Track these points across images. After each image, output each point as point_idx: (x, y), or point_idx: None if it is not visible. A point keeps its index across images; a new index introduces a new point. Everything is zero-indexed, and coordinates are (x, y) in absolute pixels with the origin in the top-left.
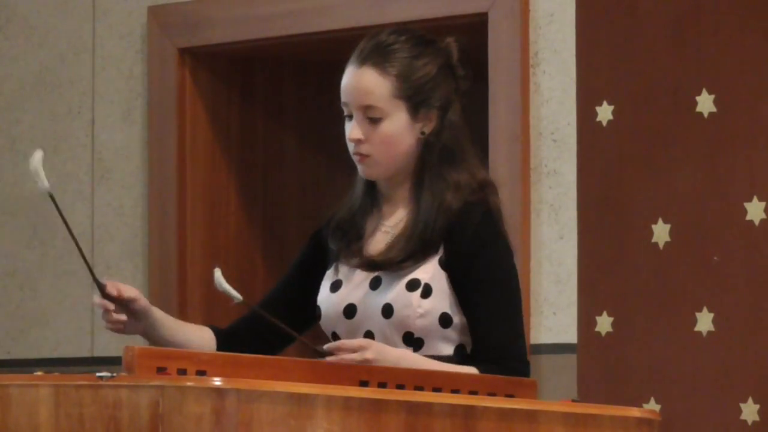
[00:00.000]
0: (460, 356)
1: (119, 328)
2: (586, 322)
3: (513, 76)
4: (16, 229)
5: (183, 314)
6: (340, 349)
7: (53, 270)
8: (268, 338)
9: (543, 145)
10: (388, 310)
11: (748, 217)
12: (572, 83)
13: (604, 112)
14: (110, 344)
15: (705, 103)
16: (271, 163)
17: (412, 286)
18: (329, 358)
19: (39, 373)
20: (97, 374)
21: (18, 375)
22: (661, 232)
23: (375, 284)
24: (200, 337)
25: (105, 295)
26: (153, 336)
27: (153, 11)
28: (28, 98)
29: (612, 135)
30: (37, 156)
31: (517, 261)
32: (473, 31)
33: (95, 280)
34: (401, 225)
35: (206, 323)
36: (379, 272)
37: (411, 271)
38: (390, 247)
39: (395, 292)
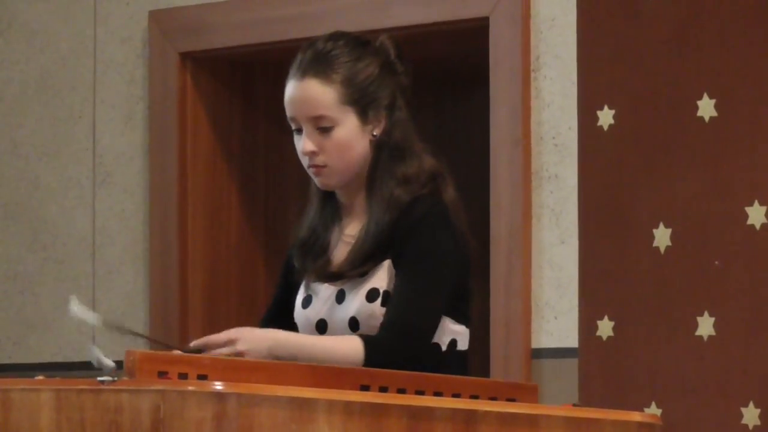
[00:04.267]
0: (433, 355)
1: None
2: (587, 326)
3: (514, 80)
4: (18, 234)
5: (184, 318)
6: (207, 346)
7: (54, 274)
8: None
9: (544, 149)
10: (354, 324)
11: (749, 222)
12: (573, 87)
13: (605, 117)
14: (111, 349)
15: (706, 108)
16: (272, 168)
17: (371, 296)
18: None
19: (40, 378)
20: (98, 379)
21: (19, 379)
22: (662, 237)
23: (340, 298)
24: None
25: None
26: None
27: (154, 15)
28: (29, 102)
29: (613, 139)
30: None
31: (518, 266)
32: (474, 35)
33: (187, 351)
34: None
35: (206, 327)
36: (342, 285)
37: (369, 280)
38: (347, 256)
39: (357, 305)
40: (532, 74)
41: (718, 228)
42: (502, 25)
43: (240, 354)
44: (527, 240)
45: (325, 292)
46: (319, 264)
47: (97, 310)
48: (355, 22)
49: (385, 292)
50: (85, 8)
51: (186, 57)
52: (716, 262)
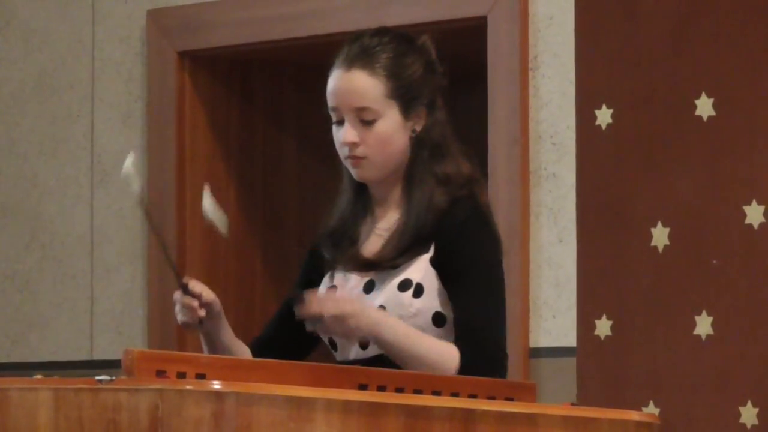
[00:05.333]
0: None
1: (194, 322)
2: (585, 325)
3: (512, 79)
4: (16, 232)
5: None
6: (323, 302)
7: (52, 273)
8: (295, 342)
9: (542, 148)
10: None
11: (747, 221)
12: (571, 86)
13: (604, 116)
14: (110, 347)
15: (704, 107)
16: (270, 167)
17: (404, 286)
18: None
19: (38, 377)
20: (97, 377)
21: (17, 378)
22: (660, 236)
23: (368, 288)
24: (244, 352)
25: (188, 292)
26: (214, 337)
27: (152, 14)
28: (27, 101)
29: (611, 138)
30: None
31: (516, 264)
32: (473, 34)
33: (179, 278)
34: (395, 226)
35: None
36: (373, 276)
37: (402, 272)
38: (383, 247)
39: (387, 294)
40: (530, 73)
41: (716, 227)
42: (500, 24)
43: (347, 314)
44: (525, 239)
45: (352, 282)
46: (349, 255)
47: (95, 309)
48: (353, 21)
49: (418, 284)
50: (83, 7)
51: (184, 56)
52: (714, 262)
